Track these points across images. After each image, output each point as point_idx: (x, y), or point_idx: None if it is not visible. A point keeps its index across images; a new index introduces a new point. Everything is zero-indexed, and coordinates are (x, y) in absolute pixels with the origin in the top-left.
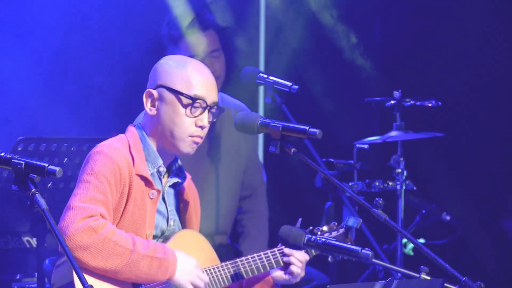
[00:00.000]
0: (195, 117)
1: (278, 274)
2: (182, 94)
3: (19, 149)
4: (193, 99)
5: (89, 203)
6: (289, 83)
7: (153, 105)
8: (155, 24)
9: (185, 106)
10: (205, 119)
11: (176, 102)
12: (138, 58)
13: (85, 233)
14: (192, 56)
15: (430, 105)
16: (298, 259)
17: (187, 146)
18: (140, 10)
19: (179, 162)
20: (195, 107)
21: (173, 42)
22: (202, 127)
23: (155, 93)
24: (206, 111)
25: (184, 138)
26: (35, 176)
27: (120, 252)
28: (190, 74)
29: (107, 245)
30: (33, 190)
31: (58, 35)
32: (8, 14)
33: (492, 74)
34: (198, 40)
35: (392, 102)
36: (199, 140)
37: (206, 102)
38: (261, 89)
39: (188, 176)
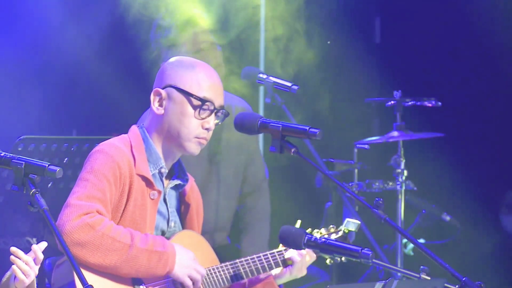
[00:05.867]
0: (202, 119)
1: (279, 273)
2: (192, 95)
3: (19, 149)
4: (203, 100)
5: (86, 200)
6: (289, 83)
7: (160, 105)
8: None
9: (194, 107)
10: (211, 121)
11: (185, 102)
12: (137, 58)
13: (82, 230)
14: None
15: (430, 105)
16: (298, 256)
17: (193, 146)
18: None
19: (182, 164)
20: (204, 109)
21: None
22: (208, 129)
23: (163, 92)
24: (213, 113)
25: (190, 138)
26: (35, 176)
27: (119, 248)
28: (199, 76)
29: (105, 241)
30: (33, 190)
31: (56, 34)
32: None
33: (492, 74)
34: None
35: (392, 102)
36: (205, 142)
37: (214, 105)
38: (261, 89)
39: (191, 179)
